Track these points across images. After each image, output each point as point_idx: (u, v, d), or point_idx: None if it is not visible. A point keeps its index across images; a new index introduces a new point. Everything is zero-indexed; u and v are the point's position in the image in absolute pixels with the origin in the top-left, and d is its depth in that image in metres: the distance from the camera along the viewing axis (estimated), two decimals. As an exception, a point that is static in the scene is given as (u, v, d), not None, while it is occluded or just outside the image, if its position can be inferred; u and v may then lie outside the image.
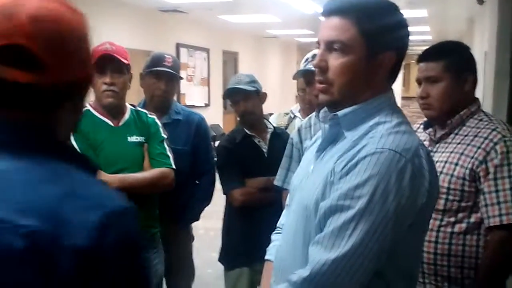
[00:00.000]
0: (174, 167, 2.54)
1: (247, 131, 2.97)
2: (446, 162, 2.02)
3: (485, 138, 1.97)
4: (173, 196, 2.70)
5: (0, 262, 0.84)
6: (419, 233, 1.40)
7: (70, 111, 1.02)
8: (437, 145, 2.11)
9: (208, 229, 4.87)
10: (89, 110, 2.47)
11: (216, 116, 11.06)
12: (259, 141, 2.98)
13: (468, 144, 2.00)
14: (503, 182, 1.90)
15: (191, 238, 3.25)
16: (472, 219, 1.98)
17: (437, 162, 2.03)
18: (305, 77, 2.66)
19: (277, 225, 1.77)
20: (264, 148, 2.97)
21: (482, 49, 6.21)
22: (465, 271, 1.98)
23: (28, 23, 0.91)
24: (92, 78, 1.07)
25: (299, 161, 2.55)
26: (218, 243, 3.15)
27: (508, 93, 4.01)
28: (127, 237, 0.91)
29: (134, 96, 3.18)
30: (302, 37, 13.93)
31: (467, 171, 1.96)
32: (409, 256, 1.36)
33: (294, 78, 2.97)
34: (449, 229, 1.99)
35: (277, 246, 1.62)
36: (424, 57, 2.13)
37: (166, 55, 3.01)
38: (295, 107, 3.58)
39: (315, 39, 1.47)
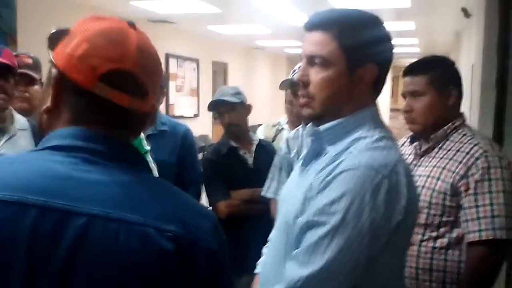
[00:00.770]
0: None
1: (232, 143, 2.96)
2: (428, 176, 2.02)
3: (467, 153, 1.98)
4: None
5: (157, 262, 0.91)
6: (398, 250, 1.38)
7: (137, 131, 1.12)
8: (421, 159, 2.11)
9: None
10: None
11: (205, 126, 11.04)
12: (244, 153, 2.97)
13: (450, 159, 2.00)
14: (483, 198, 1.90)
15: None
16: (454, 234, 1.97)
17: (419, 176, 2.03)
18: (292, 89, 2.66)
19: (269, 237, 1.76)
20: (250, 160, 2.97)
21: (469, 62, 6.24)
22: (447, 286, 1.97)
23: (137, 51, 1.00)
24: (154, 110, 1.13)
25: (288, 170, 2.56)
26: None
27: (494, 106, 4.02)
28: (225, 242, 1.03)
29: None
30: (291, 49, 13.98)
31: (448, 186, 1.96)
32: (386, 273, 1.34)
33: (280, 88, 2.96)
34: (430, 244, 1.98)
35: (263, 260, 1.61)
36: (409, 71, 2.14)
37: None
38: (283, 119, 3.58)
39: (304, 51, 1.47)
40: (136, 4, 7.28)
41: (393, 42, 1.44)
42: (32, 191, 0.91)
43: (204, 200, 3.04)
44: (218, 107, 2.94)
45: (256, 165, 2.95)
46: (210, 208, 2.97)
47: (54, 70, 1.03)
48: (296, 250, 1.29)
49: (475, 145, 1.99)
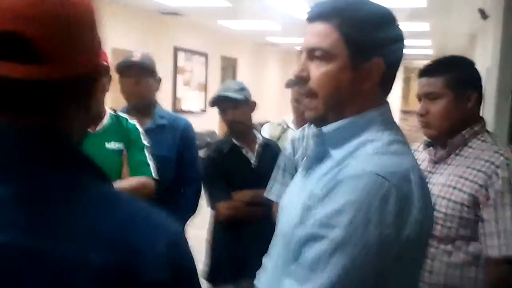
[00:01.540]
0: (154, 176, 2.39)
1: (234, 141, 2.82)
2: (443, 185, 1.87)
3: (487, 161, 1.83)
4: (156, 206, 2.53)
5: None
6: (410, 266, 1.23)
7: (79, 113, 0.86)
8: (436, 166, 1.96)
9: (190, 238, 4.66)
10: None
11: (212, 122, 10.92)
12: (247, 152, 2.83)
13: (468, 167, 1.85)
14: (503, 210, 1.75)
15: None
16: (471, 249, 1.82)
17: (434, 184, 1.88)
18: (299, 87, 2.53)
19: (269, 246, 1.62)
20: (253, 160, 2.83)
21: (484, 65, 6.09)
22: None
23: (24, 5, 0.74)
24: (101, 71, 0.89)
25: (291, 172, 2.43)
26: (200, 255, 2.98)
27: (510, 111, 3.87)
28: (190, 261, 0.82)
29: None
30: (302, 46, 13.85)
31: (466, 196, 1.81)
32: None
33: (287, 86, 2.83)
34: (445, 259, 1.83)
35: (261, 273, 1.47)
36: (425, 72, 1.99)
37: (135, 52, 2.86)
38: (288, 118, 3.45)
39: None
40: (145, -5, 7.16)
41: (406, 42, 1.30)
42: None
43: (204, 200, 2.91)
44: (221, 103, 2.79)
45: (259, 165, 2.82)
46: (210, 208, 2.84)
47: None
48: (294, 266, 1.15)
49: (496, 152, 1.84)
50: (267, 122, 3.72)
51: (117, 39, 7.49)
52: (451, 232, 1.83)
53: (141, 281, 0.72)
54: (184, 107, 10.01)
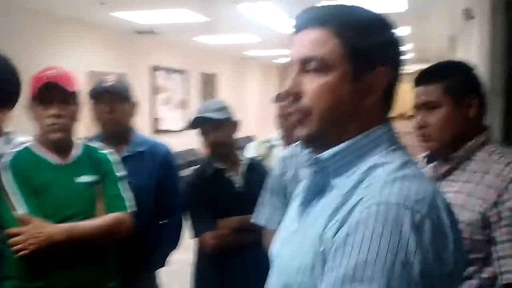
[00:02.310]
0: (130, 209, 2.19)
1: (217, 164, 2.62)
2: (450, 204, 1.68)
3: (497, 175, 1.64)
4: (136, 240, 2.33)
5: None
6: None
7: None
8: (441, 182, 1.77)
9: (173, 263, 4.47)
10: (28, 148, 2.11)
11: (194, 140, 10.73)
12: (231, 175, 2.63)
13: (478, 183, 1.67)
14: None
15: (157, 287, 2.86)
16: (485, 274, 1.63)
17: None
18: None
19: None
20: (238, 183, 2.63)
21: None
22: None
23: None
24: None
25: (282, 195, 2.23)
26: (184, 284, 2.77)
27: (501, 112, 3.72)
28: None
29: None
30: (282, 58, 13.73)
31: (477, 216, 1.62)
32: None
33: (276, 102, 2.65)
34: (458, 288, 1.64)
35: None
36: (420, 79, 1.81)
37: (109, 76, 2.67)
38: (275, 135, 3.25)
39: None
40: (117, 15, 6.95)
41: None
42: None
43: (187, 231, 2.70)
44: (201, 125, 2.59)
45: (246, 188, 2.62)
46: (195, 240, 2.64)
47: None
48: None
49: (507, 165, 1.65)
50: (248, 136, 3.55)
51: (93, 62, 7.30)
52: None
53: None
54: (163, 127, 9.79)
